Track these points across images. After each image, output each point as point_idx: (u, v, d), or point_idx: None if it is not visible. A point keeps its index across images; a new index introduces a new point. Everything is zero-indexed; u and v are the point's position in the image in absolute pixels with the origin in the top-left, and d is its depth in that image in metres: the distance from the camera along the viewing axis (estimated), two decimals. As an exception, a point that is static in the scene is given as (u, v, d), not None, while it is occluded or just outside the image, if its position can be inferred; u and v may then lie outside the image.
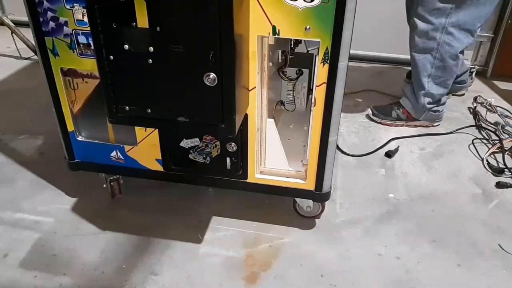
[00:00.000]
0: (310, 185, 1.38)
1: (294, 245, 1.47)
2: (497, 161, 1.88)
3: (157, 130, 1.36)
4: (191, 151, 1.39)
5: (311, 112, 1.25)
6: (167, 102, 1.10)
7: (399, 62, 2.68)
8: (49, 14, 1.21)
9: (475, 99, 2.26)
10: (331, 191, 1.43)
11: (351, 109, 2.25)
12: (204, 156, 1.39)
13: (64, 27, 1.23)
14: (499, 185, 1.75)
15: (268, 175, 1.41)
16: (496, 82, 2.55)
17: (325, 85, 1.19)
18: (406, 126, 2.11)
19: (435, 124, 2.11)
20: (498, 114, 2.16)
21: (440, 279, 1.37)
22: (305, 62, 1.56)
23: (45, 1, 1.19)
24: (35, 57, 2.55)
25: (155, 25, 1.00)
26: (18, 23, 2.64)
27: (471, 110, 2.24)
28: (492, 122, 2.11)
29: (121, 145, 1.43)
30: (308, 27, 1.10)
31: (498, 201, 1.68)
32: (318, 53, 1.15)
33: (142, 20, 1.00)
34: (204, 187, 1.66)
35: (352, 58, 1.18)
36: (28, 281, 1.33)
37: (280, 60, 1.48)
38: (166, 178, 1.48)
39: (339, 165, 1.84)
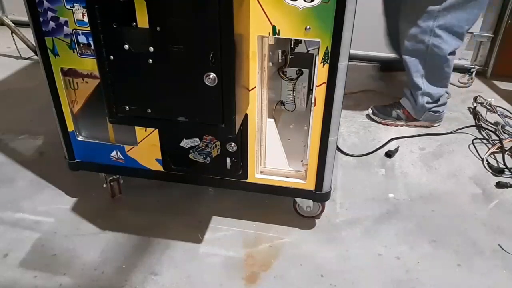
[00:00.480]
0: (310, 185, 1.38)
1: (294, 245, 1.47)
2: (497, 161, 1.88)
3: (157, 130, 1.36)
4: (191, 151, 1.39)
5: (311, 112, 1.25)
6: (167, 102, 1.10)
7: (399, 62, 2.67)
8: (49, 14, 1.21)
9: (475, 99, 2.26)
10: (331, 191, 1.43)
11: (351, 109, 2.25)
12: (204, 156, 1.39)
13: (64, 27, 1.23)
14: (499, 185, 1.75)
15: (268, 175, 1.41)
16: (496, 82, 2.55)
17: (325, 85, 1.19)
18: (406, 126, 2.11)
19: (435, 125, 2.12)
20: (498, 114, 2.16)
21: (440, 279, 1.37)
22: (305, 62, 1.56)
23: (45, 1, 1.19)
24: (35, 57, 2.55)
25: (155, 25, 1.00)
26: (18, 23, 2.64)
27: (471, 110, 2.24)
28: (492, 122, 2.11)
29: (121, 145, 1.43)
30: (308, 27, 1.10)
31: (498, 201, 1.68)
32: (318, 53, 1.15)
33: (142, 20, 1.00)
34: (204, 187, 1.66)
35: (352, 58, 1.18)
36: (28, 281, 1.33)
37: (280, 60, 1.48)
38: (166, 178, 1.48)
39: (339, 165, 1.84)
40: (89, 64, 1.28)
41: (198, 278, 1.35)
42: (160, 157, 1.42)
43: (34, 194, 1.65)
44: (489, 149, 1.93)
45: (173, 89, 1.08)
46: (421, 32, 1.83)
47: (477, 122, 2.14)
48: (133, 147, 1.42)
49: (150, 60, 1.04)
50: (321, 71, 1.17)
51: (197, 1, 0.97)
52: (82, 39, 1.24)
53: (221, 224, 1.54)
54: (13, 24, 2.58)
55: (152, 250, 1.44)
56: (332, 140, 1.28)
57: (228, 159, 1.38)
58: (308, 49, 1.54)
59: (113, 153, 1.45)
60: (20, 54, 2.67)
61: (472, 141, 2.01)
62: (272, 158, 1.42)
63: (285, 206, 1.56)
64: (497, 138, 1.99)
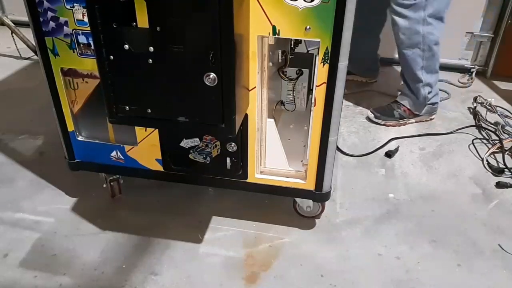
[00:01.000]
0: (310, 185, 1.38)
1: (294, 245, 1.47)
2: (497, 161, 1.88)
3: (157, 130, 1.36)
4: (191, 151, 1.39)
5: (311, 112, 1.25)
6: (167, 102, 1.10)
7: (399, 62, 2.67)
8: (49, 14, 1.21)
9: (475, 99, 2.26)
10: (331, 191, 1.43)
11: (351, 109, 2.25)
12: (204, 156, 1.39)
13: (64, 27, 1.23)
14: (499, 185, 1.75)
15: (268, 175, 1.41)
16: (496, 82, 2.55)
17: (325, 85, 1.19)
18: (410, 123, 2.11)
19: (432, 117, 2.14)
20: (498, 114, 2.16)
21: (440, 279, 1.37)
22: (305, 62, 1.56)
23: (45, 1, 1.19)
24: (35, 57, 2.55)
25: (155, 25, 1.00)
26: (18, 23, 2.64)
27: (471, 110, 2.24)
28: (492, 122, 2.11)
29: (121, 145, 1.43)
30: (308, 27, 1.10)
31: (498, 201, 1.68)
32: (318, 53, 1.15)
33: (142, 20, 1.00)
34: (204, 187, 1.66)
35: (352, 58, 1.18)
36: (28, 281, 1.33)
37: (280, 60, 1.48)
38: (166, 178, 1.48)
39: (339, 165, 1.84)
40: (89, 64, 1.27)
41: (198, 278, 1.35)
42: (160, 157, 1.42)
43: (34, 194, 1.65)
44: (489, 149, 1.93)
45: (173, 89, 1.08)
46: (414, 23, 1.87)
47: (477, 122, 2.14)
48: (133, 147, 1.42)
49: (150, 60, 1.04)
50: (321, 71, 1.17)
51: (197, 1, 0.97)
52: (82, 39, 1.24)
53: (221, 224, 1.54)
54: (13, 24, 2.58)
55: (152, 250, 1.44)
56: (332, 140, 1.28)
57: (228, 159, 1.38)
58: (308, 49, 1.54)
59: (113, 153, 1.45)
60: (20, 54, 2.67)
61: (472, 141, 2.01)
62: (272, 158, 1.42)
63: (285, 206, 1.56)
64: (497, 138, 1.99)
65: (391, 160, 1.89)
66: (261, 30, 1.13)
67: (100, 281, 1.34)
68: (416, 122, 2.13)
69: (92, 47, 1.20)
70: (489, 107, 2.20)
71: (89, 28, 1.04)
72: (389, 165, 1.86)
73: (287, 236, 1.50)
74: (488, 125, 2.10)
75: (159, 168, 1.44)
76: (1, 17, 2.60)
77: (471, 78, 2.53)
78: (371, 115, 2.15)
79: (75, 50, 1.26)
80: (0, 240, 1.46)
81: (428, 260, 1.43)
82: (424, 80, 2.01)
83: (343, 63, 1.15)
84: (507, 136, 2.00)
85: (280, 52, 1.45)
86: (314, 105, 1.23)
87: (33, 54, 2.62)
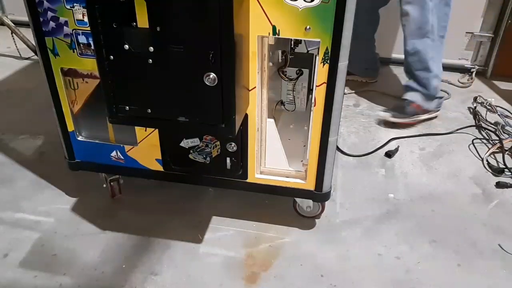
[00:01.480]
0: (310, 185, 1.38)
1: (294, 245, 1.47)
2: (497, 161, 1.88)
3: (157, 130, 1.36)
4: (191, 151, 1.39)
5: (311, 112, 1.25)
6: (167, 102, 1.10)
7: (399, 62, 2.67)
8: (49, 14, 1.21)
9: (475, 99, 2.26)
10: (331, 191, 1.43)
11: (351, 109, 2.25)
12: (204, 156, 1.39)
13: (64, 27, 1.23)
14: (499, 185, 1.75)
15: (268, 175, 1.41)
16: (496, 82, 2.55)
17: (325, 85, 1.19)
18: (423, 121, 2.12)
19: (438, 113, 2.16)
20: (498, 114, 2.16)
21: (440, 279, 1.37)
22: (305, 62, 1.56)
23: (45, 1, 1.19)
24: (35, 57, 2.55)
25: (155, 25, 1.00)
26: (18, 23, 2.64)
27: (471, 110, 2.24)
28: (492, 122, 2.11)
29: (121, 145, 1.43)
30: (308, 27, 1.10)
31: (498, 201, 1.68)
32: (318, 53, 1.15)
33: (142, 20, 1.00)
34: (204, 187, 1.66)
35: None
36: (28, 281, 1.33)
37: (280, 60, 1.48)
38: (166, 178, 1.48)
39: (339, 165, 1.84)
40: (89, 64, 1.28)
41: (198, 278, 1.35)
42: (160, 157, 1.42)
43: (34, 194, 1.65)
44: (489, 149, 1.93)
45: (173, 89, 1.08)
46: (425, 12, 1.89)
47: (477, 122, 2.14)
48: (133, 147, 1.42)
49: (150, 60, 1.04)
50: (321, 71, 1.17)
51: (197, 1, 0.97)
52: (82, 39, 1.24)
53: (221, 224, 1.54)
54: (13, 24, 2.58)
55: (152, 250, 1.44)
56: (332, 140, 1.28)
57: (228, 159, 1.38)
58: (308, 49, 1.54)
59: (113, 153, 1.45)
60: (20, 54, 2.67)
61: (472, 141, 2.01)
62: (272, 158, 1.42)
63: (285, 206, 1.56)
64: (497, 138, 1.99)
65: (391, 160, 1.89)
66: (261, 30, 1.13)
67: (100, 281, 1.34)
68: (427, 119, 2.12)
69: (92, 47, 1.20)
70: (489, 107, 2.20)
71: (89, 28, 1.04)
72: (389, 165, 1.86)
73: (287, 236, 1.50)
74: (488, 125, 2.10)
75: (159, 168, 1.44)
76: (1, 17, 2.60)
77: (471, 78, 2.53)
78: (388, 115, 2.09)
79: (75, 50, 1.26)
80: (0, 240, 1.46)
81: (428, 260, 1.43)
82: (434, 70, 2.01)
83: (343, 63, 1.15)
84: (507, 136, 2.00)
85: (280, 52, 1.45)
86: (314, 105, 1.23)
87: (33, 54, 2.62)
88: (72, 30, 1.23)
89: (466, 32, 2.52)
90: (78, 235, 1.49)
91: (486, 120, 2.13)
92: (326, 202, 1.50)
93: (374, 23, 2.29)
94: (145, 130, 1.37)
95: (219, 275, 1.36)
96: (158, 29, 1.00)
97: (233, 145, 1.35)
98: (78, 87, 1.36)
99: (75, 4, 1.19)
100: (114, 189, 1.62)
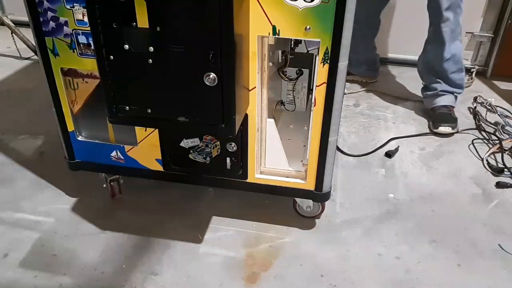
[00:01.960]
0: (310, 185, 1.38)
1: (294, 245, 1.47)
2: (497, 161, 1.88)
3: (157, 130, 1.36)
4: (191, 151, 1.39)
5: (311, 112, 1.25)
6: (167, 102, 1.10)
7: (399, 62, 2.68)
8: (49, 14, 1.21)
9: (475, 99, 2.26)
10: (331, 191, 1.43)
11: (351, 109, 2.25)
12: (204, 156, 1.39)
13: (64, 27, 1.23)
14: (499, 185, 1.75)
15: (268, 175, 1.41)
16: (496, 82, 2.55)
17: (325, 85, 1.19)
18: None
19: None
20: (498, 114, 2.16)
21: (440, 279, 1.37)
22: (305, 62, 1.56)
23: (45, 1, 1.19)
24: (35, 57, 2.55)
25: (155, 25, 1.00)
26: (18, 23, 2.64)
27: (471, 110, 2.24)
28: (492, 122, 2.11)
29: (121, 145, 1.43)
30: (308, 27, 1.10)
31: (498, 201, 1.68)
32: (318, 53, 1.15)
33: (142, 20, 1.00)
34: (204, 187, 1.66)
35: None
36: (28, 281, 1.33)
37: (280, 60, 1.48)
38: (166, 178, 1.48)
39: (339, 165, 1.84)
40: (89, 64, 1.28)
41: (198, 278, 1.35)
42: (160, 157, 1.42)
43: (34, 194, 1.65)
44: (489, 149, 1.93)
45: (173, 89, 1.08)
46: (458, 15, 1.94)
47: (477, 122, 2.14)
48: (133, 147, 1.42)
49: (150, 60, 1.04)
50: (321, 71, 1.17)
51: (197, 1, 0.97)
52: (82, 39, 1.24)
53: (221, 224, 1.54)
54: (13, 24, 2.58)
55: (152, 250, 1.44)
56: (332, 140, 1.28)
57: (228, 159, 1.38)
58: (308, 49, 1.54)
59: (113, 153, 1.45)
60: (20, 54, 2.67)
61: (472, 141, 2.01)
62: (272, 158, 1.42)
63: (285, 206, 1.56)
64: (497, 138, 1.99)
65: (391, 160, 1.89)
66: (261, 30, 1.13)
67: (100, 281, 1.34)
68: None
69: (92, 47, 1.20)
70: (489, 107, 2.20)
71: (89, 28, 1.04)
72: (389, 165, 1.86)
73: (287, 236, 1.50)
74: (488, 125, 2.10)
75: (159, 168, 1.44)
76: (1, 17, 2.60)
77: (471, 78, 2.53)
78: (448, 129, 2.03)
79: (75, 50, 1.26)
80: (0, 240, 1.46)
81: (428, 260, 1.43)
82: (464, 70, 2.09)
83: (343, 63, 1.15)
84: (507, 136, 2.00)
85: (280, 52, 1.45)
86: (314, 105, 1.23)
87: (33, 54, 2.62)
88: (72, 30, 1.23)
89: (466, 32, 2.52)
90: (78, 235, 1.49)
91: (486, 120, 2.13)
92: (326, 202, 1.50)
93: (375, 27, 2.29)
94: (145, 130, 1.37)
95: (219, 275, 1.36)
96: (158, 29, 1.00)
97: (233, 145, 1.35)
98: (78, 87, 1.36)
99: (75, 4, 1.19)
100: (114, 189, 1.62)
